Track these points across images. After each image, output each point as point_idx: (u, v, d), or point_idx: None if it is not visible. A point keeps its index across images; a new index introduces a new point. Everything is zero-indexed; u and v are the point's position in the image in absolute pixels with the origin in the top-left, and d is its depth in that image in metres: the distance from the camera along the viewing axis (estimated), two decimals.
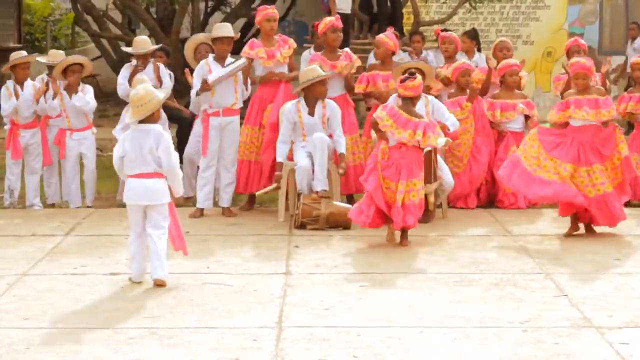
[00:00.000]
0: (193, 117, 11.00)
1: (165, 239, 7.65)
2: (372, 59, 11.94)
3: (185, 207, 10.62)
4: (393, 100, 10.10)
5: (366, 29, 17.15)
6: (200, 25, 17.41)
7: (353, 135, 10.46)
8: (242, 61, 10.12)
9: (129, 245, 7.75)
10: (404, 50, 13.15)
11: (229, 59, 10.18)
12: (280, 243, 9.06)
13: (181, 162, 11.31)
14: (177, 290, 7.46)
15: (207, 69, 10.08)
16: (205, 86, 9.94)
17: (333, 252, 8.71)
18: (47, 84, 10.80)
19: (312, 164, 9.77)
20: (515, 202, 10.59)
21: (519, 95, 10.86)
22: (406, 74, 9.09)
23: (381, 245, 8.93)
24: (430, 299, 7.23)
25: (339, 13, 14.85)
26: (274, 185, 9.98)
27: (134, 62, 10.98)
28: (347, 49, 10.84)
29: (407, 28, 17.06)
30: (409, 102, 9.02)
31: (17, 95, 10.66)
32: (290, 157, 9.99)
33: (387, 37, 10.70)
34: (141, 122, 7.62)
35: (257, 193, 10.29)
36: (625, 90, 12.10)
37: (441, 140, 9.76)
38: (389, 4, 16.75)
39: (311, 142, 9.80)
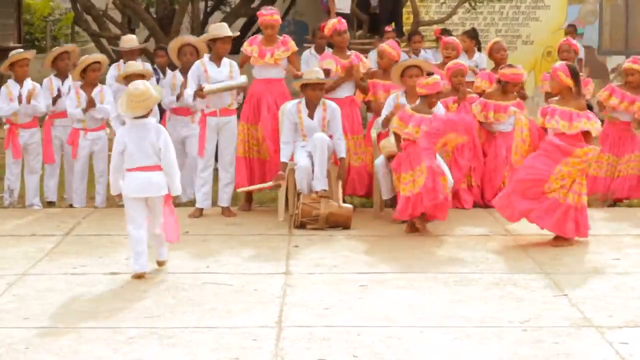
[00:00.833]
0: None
1: (161, 228, 7.87)
2: (371, 59, 11.94)
3: (185, 207, 10.63)
4: (392, 100, 10.13)
5: (366, 29, 17.15)
6: (200, 25, 17.39)
7: (358, 135, 10.46)
8: (242, 80, 10.11)
9: (133, 239, 7.79)
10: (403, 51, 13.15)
11: (225, 59, 10.18)
12: (280, 243, 9.06)
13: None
14: (176, 290, 7.46)
15: (203, 69, 10.08)
16: (200, 94, 9.95)
17: (333, 251, 8.71)
18: (59, 92, 10.78)
19: (312, 164, 9.77)
20: None
21: (512, 96, 10.85)
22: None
23: (381, 245, 8.94)
24: (430, 299, 7.23)
25: (338, 13, 14.87)
26: (270, 183, 9.98)
27: (121, 62, 11.02)
28: (356, 52, 10.82)
29: (406, 28, 17.06)
30: (424, 100, 9.45)
31: (19, 100, 10.63)
32: (290, 157, 10.00)
33: (391, 47, 10.69)
34: (137, 117, 7.74)
35: (248, 188, 10.23)
36: None
37: None
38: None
39: (311, 142, 9.81)
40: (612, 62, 18.81)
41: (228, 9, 20.10)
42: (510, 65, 10.85)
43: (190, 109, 10.85)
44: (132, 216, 7.82)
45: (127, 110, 7.78)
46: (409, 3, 17.23)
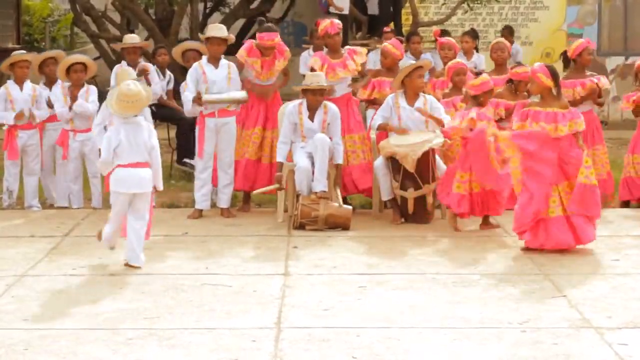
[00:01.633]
0: (190, 121, 11.00)
1: (144, 229, 8.13)
2: (370, 60, 11.94)
3: (184, 209, 10.64)
4: (391, 100, 10.12)
5: (365, 30, 17.15)
6: (199, 26, 17.39)
7: (360, 133, 10.45)
8: (242, 95, 10.10)
9: (109, 226, 8.20)
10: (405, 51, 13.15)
11: (223, 60, 10.17)
12: (279, 244, 9.06)
13: (179, 162, 11.42)
14: (176, 291, 7.46)
15: (201, 71, 10.08)
16: (199, 102, 9.95)
17: (332, 252, 8.71)
18: (49, 100, 10.78)
19: (312, 165, 9.77)
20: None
21: (522, 96, 10.84)
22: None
23: (380, 246, 8.94)
24: (429, 300, 7.23)
25: (336, 14, 14.88)
26: (275, 185, 9.98)
27: (123, 63, 11.01)
28: (348, 47, 10.82)
29: (405, 29, 17.06)
30: (473, 100, 9.70)
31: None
32: (289, 158, 10.00)
33: (394, 46, 10.70)
34: (129, 116, 8.04)
35: (254, 192, 10.28)
36: None
37: (439, 141, 9.79)
38: (375, 5, 16.78)
39: (312, 143, 9.80)
40: (611, 63, 18.82)
41: (227, 10, 20.09)
42: (520, 64, 10.91)
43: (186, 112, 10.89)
44: (117, 210, 8.13)
45: (119, 110, 8.02)
46: (408, 4, 17.24)
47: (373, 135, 10.42)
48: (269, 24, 10.54)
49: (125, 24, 19.07)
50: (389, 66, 10.60)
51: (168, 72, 11.33)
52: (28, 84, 10.85)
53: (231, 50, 10.48)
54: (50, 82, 10.95)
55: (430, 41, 15.83)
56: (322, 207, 9.56)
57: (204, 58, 10.23)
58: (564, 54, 11.22)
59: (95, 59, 14.45)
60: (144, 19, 17.12)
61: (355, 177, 10.31)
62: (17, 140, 10.73)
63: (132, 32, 17.42)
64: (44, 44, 24.33)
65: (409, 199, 9.79)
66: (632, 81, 11.35)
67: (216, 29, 10.22)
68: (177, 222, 10.01)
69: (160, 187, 8.32)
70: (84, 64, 10.55)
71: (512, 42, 12.92)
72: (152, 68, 11.01)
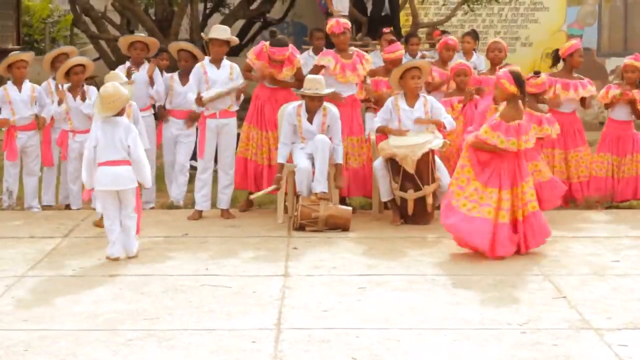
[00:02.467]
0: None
1: (135, 221, 8.51)
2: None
3: (184, 210, 10.64)
4: (391, 103, 10.12)
5: (364, 30, 17.14)
6: (199, 27, 17.39)
7: (360, 136, 10.46)
8: (238, 83, 10.10)
9: (106, 229, 8.44)
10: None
11: (225, 61, 10.18)
12: (279, 245, 9.06)
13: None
14: (175, 292, 7.46)
15: (203, 71, 10.08)
16: (199, 103, 9.97)
17: (332, 253, 8.71)
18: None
19: (312, 166, 9.77)
20: None
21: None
22: (531, 73, 10.09)
23: (380, 247, 8.94)
24: (429, 301, 7.23)
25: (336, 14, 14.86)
26: (272, 187, 9.98)
27: (127, 63, 11.00)
28: (357, 49, 10.81)
29: (405, 30, 17.06)
30: (533, 98, 9.79)
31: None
32: (289, 159, 10.00)
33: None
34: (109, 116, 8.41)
35: (253, 195, 10.26)
36: None
37: (438, 142, 9.80)
38: (386, 5, 16.76)
39: (312, 144, 9.81)
40: (611, 63, 18.81)
41: (227, 11, 20.10)
42: (507, 65, 10.91)
43: (184, 111, 10.88)
44: (103, 208, 8.49)
45: (101, 110, 8.44)
46: (407, 5, 17.23)
47: (373, 136, 10.43)
48: (281, 37, 10.44)
49: (125, 24, 19.07)
50: (391, 68, 10.63)
51: (166, 74, 11.31)
52: (27, 85, 10.84)
53: (233, 51, 10.47)
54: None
55: (430, 42, 15.82)
56: (322, 208, 9.56)
57: (207, 59, 10.24)
58: (556, 52, 11.24)
59: (95, 59, 14.45)
60: (144, 20, 17.12)
61: (352, 180, 10.31)
62: (16, 141, 10.73)
63: (132, 32, 17.44)
64: (43, 44, 24.35)
65: (409, 200, 9.79)
66: (620, 78, 11.33)
67: (219, 30, 10.21)
68: (177, 223, 10.02)
69: (147, 185, 8.68)
70: (83, 65, 10.53)
71: (474, 49, 12.96)
72: (156, 70, 10.99)
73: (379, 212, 10.35)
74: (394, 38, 11.83)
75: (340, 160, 9.91)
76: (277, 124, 10.35)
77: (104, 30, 18.05)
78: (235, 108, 10.23)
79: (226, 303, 7.18)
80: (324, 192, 9.67)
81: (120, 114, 8.49)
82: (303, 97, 9.88)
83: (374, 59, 12.48)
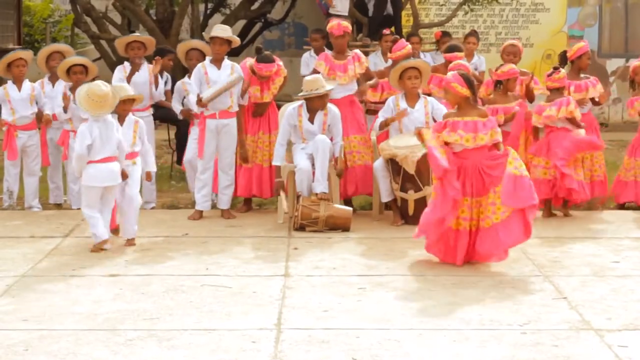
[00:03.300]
0: (188, 122, 10.98)
1: (110, 215, 8.92)
2: (370, 62, 11.93)
3: (185, 210, 10.63)
4: (392, 103, 10.12)
5: (365, 31, 17.14)
6: (200, 27, 17.39)
7: (362, 135, 10.45)
8: (236, 77, 10.10)
9: (96, 223, 8.70)
10: None
11: (226, 61, 10.18)
12: (279, 245, 9.06)
13: (179, 163, 11.42)
14: (176, 292, 7.46)
15: (204, 72, 10.08)
16: (200, 104, 9.96)
17: (332, 254, 8.71)
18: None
19: (312, 166, 9.78)
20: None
21: (512, 97, 10.87)
22: (551, 69, 10.43)
23: (380, 248, 8.94)
24: (429, 301, 7.23)
25: (336, 15, 14.86)
26: (283, 196, 9.94)
27: (126, 64, 10.98)
28: (356, 50, 10.80)
29: (406, 30, 17.05)
30: (556, 92, 10.27)
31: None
32: (288, 160, 10.00)
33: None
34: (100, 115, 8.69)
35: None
36: None
37: None
38: (388, 6, 16.75)
39: (313, 144, 9.81)
40: (611, 64, 18.81)
41: (228, 11, 20.09)
42: (501, 65, 10.96)
43: (189, 111, 10.88)
44: (91, 203, 8.77)
45: (90, 109, 8.68)
46: (408, 6, 17.23)
47: (374, 137, 10.43)
48: (266, 53, 10.47)
49: (126, 24, 19.07)
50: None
51: (165, 73, 11.29)
52: (27, 84, 10.82)
53: (234, 52, 10.47)
54: (55, 78, 10.88)
55: (430, 42, 15.82)
56: (322, 209, 9.56)
57: (207, 59, 10.24)
58: (563, 53, 11.27)
59: (96, 59, 14.45)
60: (145, 20, 17.11)
61: (351, 179, 10.31)
62: (16, 140, 10.72)
63: (132, 32, 17.45)
64: (44, 44, 24.32)
65: (409, 201, 9.80)
66: (629, 85, 11.32)
67: (220, 29, 10.21)
68: (178, 223, 10.02)
69: (125, 178, 8.94)
70: (84, 66, 10.48)
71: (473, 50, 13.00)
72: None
73: (379, 212, 10.34)
74: (397, 37, 11.82)
75: (338, 153, 9.91)
76: (270, 125, 10.37)
77: (104, 30, 18.04)
78: (236, 109, 10.22)
79: (226, 303, 7.18)
80: (324, 193, 9.67)
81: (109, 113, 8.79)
82: (307, 99, 9.87)
83: (374, 60, 12.51)
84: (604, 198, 10.82)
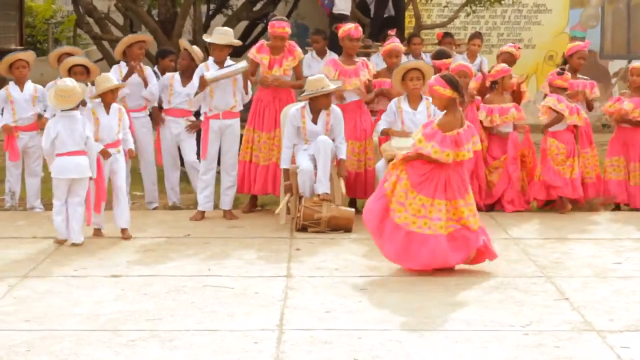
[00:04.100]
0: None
1: (83, 209, 9.12)
2: (374, 61, 11.93)
3: (187, 210, 10.64)
4: (394, 105, 10.12)
5: (367, 32, 17.15)
6: (202, 28, 17.39)
7: (364, 141, 10.44)
8: (242, 65, 10.10)
9: (56, 214, 9.06)
10: (406, 54, 13.16)
11: (229, 61, 10.19)
12: (281, 246, 9.06)
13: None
14: (178, 293, 7.46)
15: (206, 71, 10.08)
16: (203, 82, 9.92)
17: (334, 255, 8.71)
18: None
19: (314, 167, 9.78)
20: (516, 205, 10.66)
21: (508, 98, 10.90)
22: (558, 70, 10.78)
23: None
24: (431, 302, 7.23)
25: (338, 14, 14.87)
26: (288, 196, 9.95)
27: (122, 64, 10.97)
28: (364, 58, 10.79)
29: (408, 31, 17.05)
30: (561, 92, 10.61)
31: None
32: (292, 160, 10.01)
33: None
34: (66, 109, 9.02)
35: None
36: None
37: None
38: (389, 6, 16.75)
39: (315, 145, 9.81)
40: (613, 66, 18.81)
41: (230, 12, 20.09)
42: (493, 67, 11.08)
43: (184, 110, 10.86)
44: (57, 195, 9.12)
45: (56, 104, 9.04)
46: (410, 7, 17.23)
47: (375, 138, 10.43)
48: (281, 17, 10.60)
49: (128, 25, 19.07)
50: (393, 67, 10.66)
51: (167, 74, 11.29)
52: (29, 85, 10.83)
53: (236, 52, 10.47)
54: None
55: (433, 43, 15.82)
56: (324, 210, 9.57)
57: (211, 59, 10.24)
58: (564, 53, 11.38)
59: (98, 60, 14.46)
60: (147, 21, 17.11)
61: (353, 183, 10.32)
62: (17, 141, 10.72)
63: (134, 33, 17.45)
64: (46, 45, 24.35)
65: None
66: (627, 86, 11.36)
67: (220, 33, 10.18)
68: (180, 223, 10.02)
69: (95, 175, 9.18)
70: (85, 67, 10.47)
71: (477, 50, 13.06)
72: (149, 70, 10.96)
73: None
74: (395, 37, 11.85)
75: (343, 155, 9.91)
76: (277, 122, 10.37)
77: (107, 31, 18.04)
78: (239, 108, 10.23)
79: (228, 304, 7.18)
80: (327, 193, 9.67)
81: (75, 108, 9.08)
82: (311, 99, 9.86)
83: (375, 61, 12.51)
84: (605, 199, 10.81)
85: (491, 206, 10.76)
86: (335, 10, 15.44)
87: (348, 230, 9.59)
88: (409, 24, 17.63)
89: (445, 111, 8.11)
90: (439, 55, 11.47)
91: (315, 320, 6.81)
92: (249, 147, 10.45)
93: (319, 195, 9.66)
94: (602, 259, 8.58)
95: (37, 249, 8.90)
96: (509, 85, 10.88)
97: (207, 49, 10.95)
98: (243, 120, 10.48)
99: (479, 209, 10.54)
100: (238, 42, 10.40)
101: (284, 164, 9.94)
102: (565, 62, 11.26)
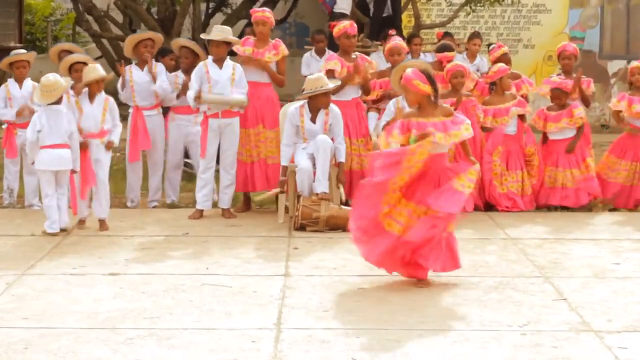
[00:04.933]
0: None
1: (67, 201, 9.48)
2: (374, 61, 11.94)
3: (185, 209, 10.63)
4: (393, 105, 10.12)
5: (366, 31, 17.16)
6: (202, 26, 17.39)
7: (362, 139, 10.44)
8: (241, 99, 10.07)
9: (48, 206, 9.32)
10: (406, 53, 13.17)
11: (228, 61, 10.18)
12: (279, 245, 9.06)
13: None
14: (176, 291, 7.46)
15: (205, 70, 10.08)
16: (199, 101, 9.97)
17: (332, 254, 8.71)
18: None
19: (313, 166, 9.78)
20: (515, 205, 10.65)
21: (510, 97, 10.88)
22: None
23: None
24: (429, 302, 7.23)
25: (339, 13, 14.87)
26: (277, 190, 9.97)
27: (133, 66, 10.99)
28: (360, 53, 10.79)
29: (407, 31, 17.05)
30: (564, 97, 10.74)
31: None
32: (291, 159, 10.01)
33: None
34: (50, 103, 9.28)
35: (257, 199, 10.23)
36: None
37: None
38: (388, 5, 16.75)
39: (314, 144, 9.81)
40: (613, 66, 18.80)
41: (229, 11, 20.09)
42: (490, 69, 11.13)
43: (191, 107, 10.87)
44: (43, 186, 9.40)
45: (40, 98, 9.30)
46: (410, 6, 17.23)
47: (375, 137, 10.43)
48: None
49: (128, 23, 19.07)
50: (392, 62, 10.68)
51: (167, 73, 11.29)
52: (28, 82, 10.83)
53: (234, 51, 10.47)
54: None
55: (432, 43, 15.82)
56: (323, 209, 9.56)
57: (210, 58, 10.24)
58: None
59: (97, 58, 14.45)
60: (146, 19, 17.12)
61: (355, 182, 10.31)
62: (15, 138, 10.72)
63: (134, 32, 17.44)
64: (45, 43, 24.33)
65: None
66: (628, 87, 11.37)
67: (218, 30, 10.21)
68: (178, 222, 10.02)
69: (78, 168, 9.42)
70: (86, 64, 10.46)
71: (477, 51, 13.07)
72: (160, 67, 10.97)
73: None
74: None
75: (342, 158, 9.91)
76: (260, 120, 10.36)
77: (106, 29, 18.06)
78: (237, 109, 10.21)
79: (226, 302, 7.17)
80: (325, 193, 9.67)
81: (59, 102, 9.33)
82: (311, 98, 9.85)
83: (375, 60, 12.51)
84: (605, 200, 10.81)
85: (490, 206, 10.75)
86: (337, 9, 15.45)
87: (346, 229, 9.55)
88: (408, 23, 17.63)
89: (417, 107, 7.72)
90: (442, 49, 11.49)
91: (313, 319, 6.81)
92: (242, 147, 10.46)
93: (317, 194, 9.66)
94: (600, 260, 8.58)
95: (35, 247, 8.90)
96: (507, 85, 10.89)
97: (206, 48, 10.96)
98: None
99: (479, 209, 10.59)
100: (236, 40, 10.39)
101: (284, 162, 9.94)
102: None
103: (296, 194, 9.93)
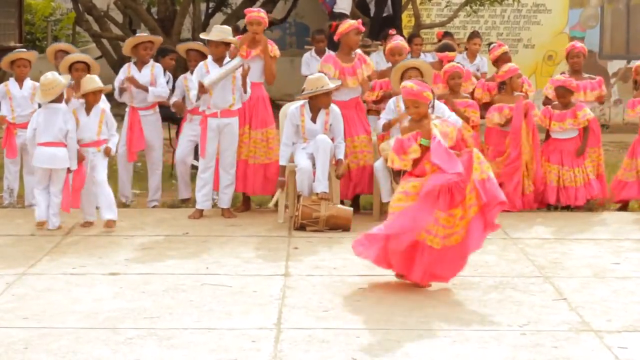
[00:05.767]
0: (181, 118, 11.04)
1: (59, 199, 9.51)
2: (374, 60, 11.94)
3: (185, 209, 10.63)
4: (393, 104, 10.12)
5: (366, 31, 17.17)
6: (201, 26, 17.40)
7: (367, 135, 10.43)
8: (236, 61, 10.09)
9: (38, 196, 9.53)
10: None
11: (227, 59, 10.19)
12: (279, 244, 9.06)
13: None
14: (176, 291, 7.46)
15: (205, 70, 10.08)
16: (202, 90, 9.96)
17: (332, 254, 8.71)
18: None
19: (313, 166, 9.78)
20: (513, 206, 10.65)
21: (518, 97, 10.87)
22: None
23: None
24: (429, 302, 7.23)
25: (339, 13, 14.89)
26: (278, 193, 9.97)
27: (132, 64, 10.98)
28: (359, 51, 10.78)
29: (407, 31, 17.06)
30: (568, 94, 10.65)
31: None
32: (290, 159, 10.01)
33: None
34: (50, 102, 9.42)
35: (271, 203, 10.20)
36: None
37: None
38: (388, 5, 16.78)
39: (314, 144, 9.81)
40: (613, 66, 18.81)
41: (229, 11, 20.10)
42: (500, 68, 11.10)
43: (182, 105, 10.89)
44: (38, 180, 9.60)
45: (41, 97, 9.44)
46: (410, 6, 17.24)
47: (374, 137, 10.43)
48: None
49: (128, 23, 19.08)
50: (394, 61, 10.68)
51: (167, 72, 11.29)
52: (28, 82, 10.81)
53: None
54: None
55: (432, 43, 15.83)
56: (323, 208, 9.56)
57: (209, 58, 10.24)
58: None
59: (97, 58, 14.45)
60: (146, 19, 17.14)
61: (354, 181, 10.31)
62: (15, 138, 10.71)
63: (134, 32, 17.47)
64: (45, 42, 24.33)
65: None
66: (632, 86, 11.36)
67: (217, 30, 10.21)
68: (178, 222, 10.02)
69: (74, 167, 9.49)
70: (86, 64, 10.46)
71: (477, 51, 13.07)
72: (158, 69, 10.96)
73: (380, 212, 10.33)
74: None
75: (341, 156, 9.91)
76: (248, 120, 10.35)
77: (106, 29, 18.08)
78: (238, 106, 10.21)
79: (226, 302, 7.18)
80: (325, 192, 9.66)
81: (59, 101, 9.47)
82: (310, 97, 9.86)
83: (376, 59, 12.53)
84: (603, 199, 10.81)
85: None
86: (336, 9, 15.48)
87: (347, 229, 9.58)
88: (408, 23, 17.64)
89: (425, 117, 7.64)
90: (443, 48, 11.48)
91: (313, 319, 6.81)
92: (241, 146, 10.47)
93: (317, 194, 9.66)
94: (600, 260, 8.58)
95: (35, 247, 8.89)
96: (517, 85, 10.84)
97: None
98: None
99: None
100: (234, 40, 10.37)
101: (282, 161, 9.94)
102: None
103: (296, 193, 9.93)
